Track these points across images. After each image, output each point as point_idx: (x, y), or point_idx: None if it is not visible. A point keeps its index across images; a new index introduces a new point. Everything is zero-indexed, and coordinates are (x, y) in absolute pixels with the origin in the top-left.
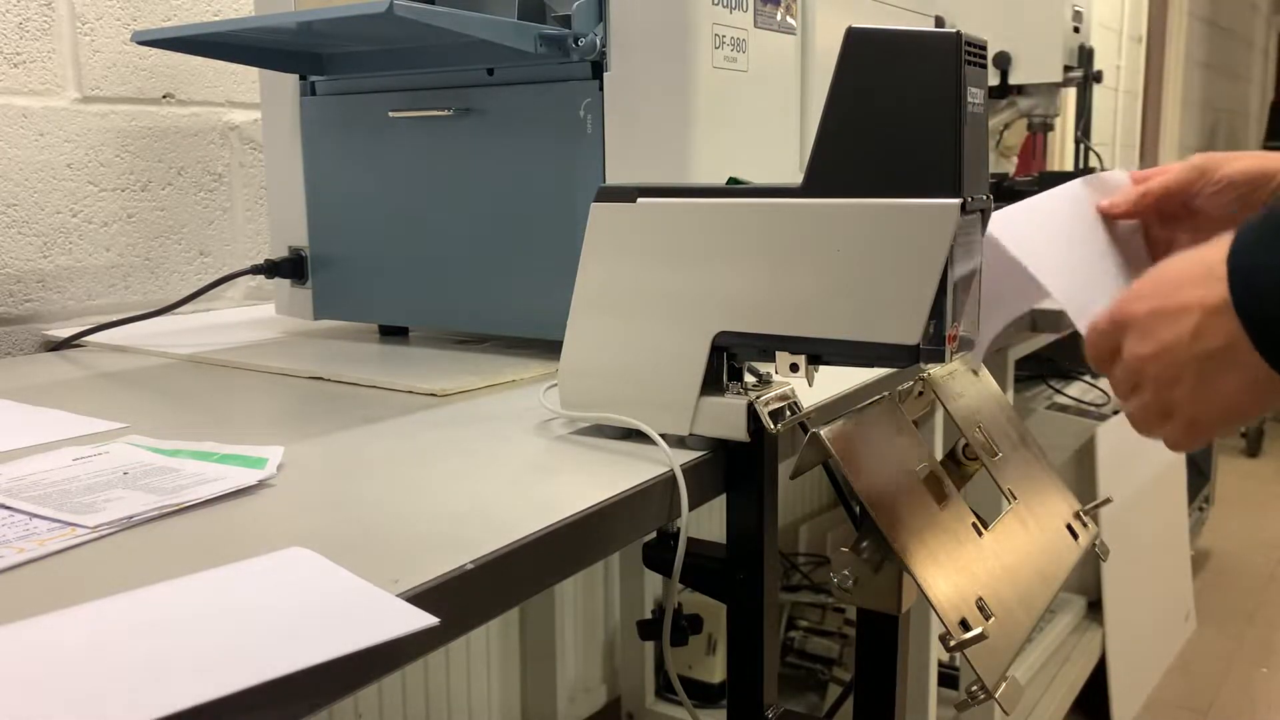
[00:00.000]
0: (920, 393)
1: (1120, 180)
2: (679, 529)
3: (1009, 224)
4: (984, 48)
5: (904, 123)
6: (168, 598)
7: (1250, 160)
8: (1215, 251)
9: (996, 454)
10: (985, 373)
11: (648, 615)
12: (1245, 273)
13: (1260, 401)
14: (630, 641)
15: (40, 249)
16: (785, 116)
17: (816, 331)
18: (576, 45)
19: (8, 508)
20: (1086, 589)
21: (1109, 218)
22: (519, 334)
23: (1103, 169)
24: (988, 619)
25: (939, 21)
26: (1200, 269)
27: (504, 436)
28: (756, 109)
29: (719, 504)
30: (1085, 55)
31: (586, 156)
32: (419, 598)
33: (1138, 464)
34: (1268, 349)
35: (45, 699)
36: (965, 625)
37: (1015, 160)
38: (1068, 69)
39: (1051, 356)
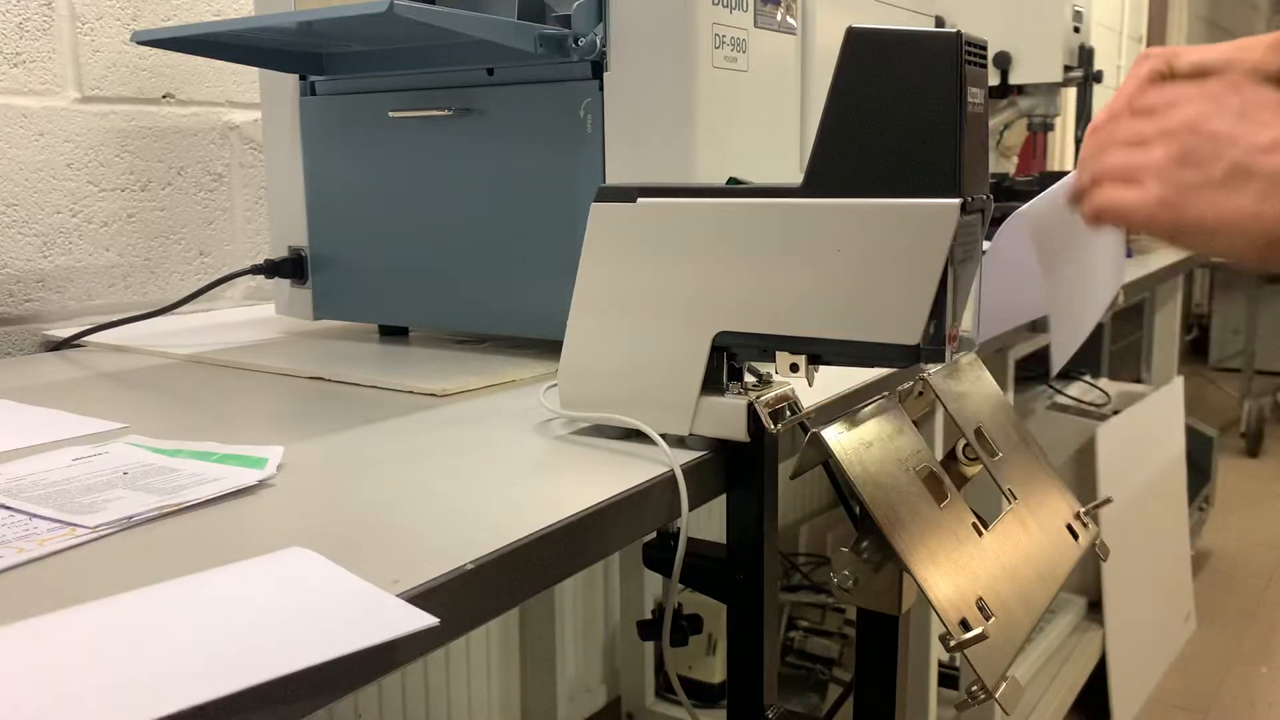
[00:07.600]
0: (920, 393)
1: None
2: (679, 529)
3: (1036, 223)
4: (984, 48)
5: (904, 123)
6: (167, 598)
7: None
8: None
9: (996, 454)
10: (985, 373)
11: (648, 615)
12: None
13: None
14: (630, 641)
15: (40, 249)
16: (785, 116)
17: (816, 331)
18: (576, 45)
19: (8, 508)
20: (1086, 589)
21: None
22: (519, 334)
23: None
24: (988, 619)
25: (939, 21)
26: None
27: (504, 436)
28: (756, 109)
29: (719, 504)
30: (1085, 55)
31: (586, 156)
32: (419, 598)
33: (1138, 464)
34: None
35: (45, 699)
36: (965, 625)
37: (1015, 160)
38: (1068, 69)
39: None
